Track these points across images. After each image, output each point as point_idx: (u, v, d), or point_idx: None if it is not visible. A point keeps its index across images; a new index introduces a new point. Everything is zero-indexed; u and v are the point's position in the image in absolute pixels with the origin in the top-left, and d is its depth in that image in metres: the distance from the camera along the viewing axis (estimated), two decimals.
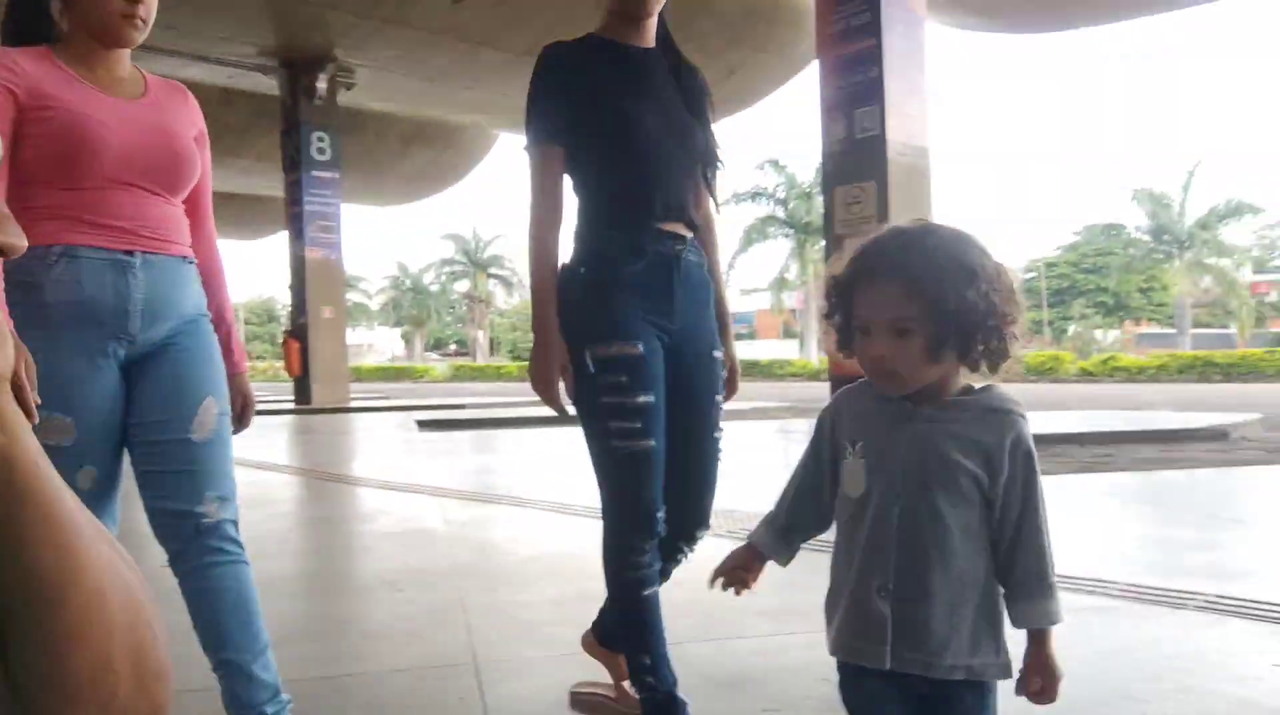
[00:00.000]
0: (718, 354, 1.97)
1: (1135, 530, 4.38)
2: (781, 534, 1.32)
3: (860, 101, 9.43)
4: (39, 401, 1.62)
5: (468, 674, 2.41)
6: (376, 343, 69.85)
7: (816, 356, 33.46)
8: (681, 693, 1.88)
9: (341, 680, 2.39)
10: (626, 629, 1.90)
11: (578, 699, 2.17)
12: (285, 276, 16.26)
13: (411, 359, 60.70)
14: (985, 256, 1.16)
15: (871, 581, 1.19)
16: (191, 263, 1.85)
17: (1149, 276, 46.59)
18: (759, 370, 31.61)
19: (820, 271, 30.77)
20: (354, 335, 50.59)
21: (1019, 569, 1.18)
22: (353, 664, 2.53)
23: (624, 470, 1.83)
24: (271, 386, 26.05)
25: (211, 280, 1.93)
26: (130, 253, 1.72)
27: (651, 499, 1.84)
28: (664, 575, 1.98)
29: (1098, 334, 42.84)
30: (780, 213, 39.82)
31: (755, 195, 38.95)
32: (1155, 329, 50.06)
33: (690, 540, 2.01)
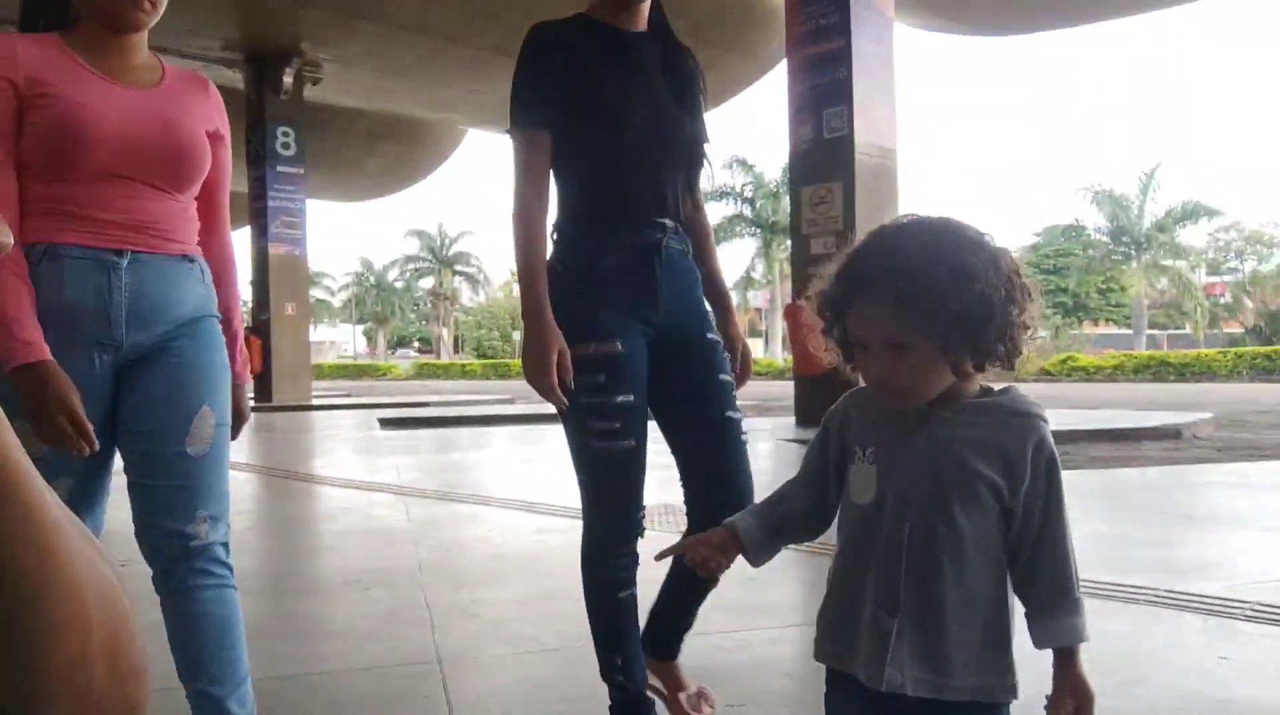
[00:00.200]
0: (713, 337, 1.90)
1: (1089, 527, 4.46)
2: (770, 532, 1.25)
3: (828, 102, 9.52)
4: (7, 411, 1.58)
5: (433, 672, 2.41)
6: (339, 340, 69.18)
7: (781, 355, 33.67)
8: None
9: (306, 679, 2.38)
10: (601, 628, 1.88)
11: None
12: (247, 272, 16.09)
13: (374, 357, 60.22)
14: (978, 249, 1.08)
15: (879, 595, 1.11)
16: (194, 261, 1.74)
17: (1108, 277, 47.42)
18: None
19: (786, 271, 30.94)
20: (316, 332, 50.09)
21: (1041, 584, 1.10)
22: (317, 663, 2.52)
23: (603, 471, 1.80)
24: None
25: (219, 284, 1.83)
26: (119, 252, 1.62)
27: (631, 500, 1.81)
28: None
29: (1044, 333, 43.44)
30: (747, 212, 40.04)
31: (723, 194, 39.09)
32: (1113, 330, 50.96)
33: None
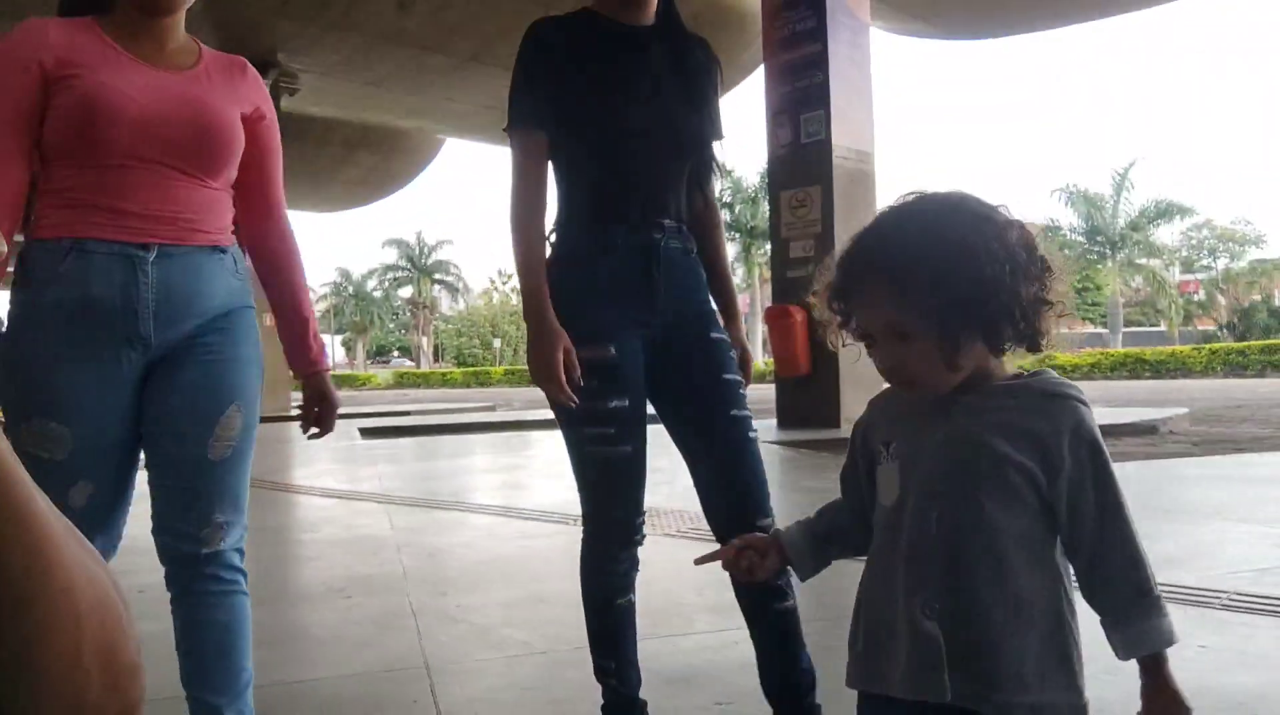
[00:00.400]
0: (717, 335, 1.84)
1: None
2: (816, 541, 1.18)
3: (806, 106, 9.58)
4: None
5: (420, 677, 2.41)
6: None
7: (762, 358, 33.72)
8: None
9: (293, 686, 2.38)
10: (596, 633, 1.86)
11: None
12: None
13: (354, 367, 59.84)
14: (982, 224, 1.00)
15: (913, 596, 1.02)
16: (224, 252, 1.67)
17: (1083, 277, 47.86)
18: None
19: (765, 274, 31.02)
20: None
21: (1111, 585, 0.99)
22: (303, 670, 2.51)
23: (599, 476, 1.78)
24: None
25: (284, 271, 1.78)
26: (145, 245, 1.56)
27: (628, 506, 1.79)
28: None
29: None
30: (726, 216, 40.17)
31: None
32: (1089, 328, 51.41)
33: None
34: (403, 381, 44.51)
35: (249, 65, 1.75)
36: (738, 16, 13.67)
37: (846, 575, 1.25)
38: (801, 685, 1.78)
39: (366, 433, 11.42)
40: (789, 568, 1.23)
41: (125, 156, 1.54)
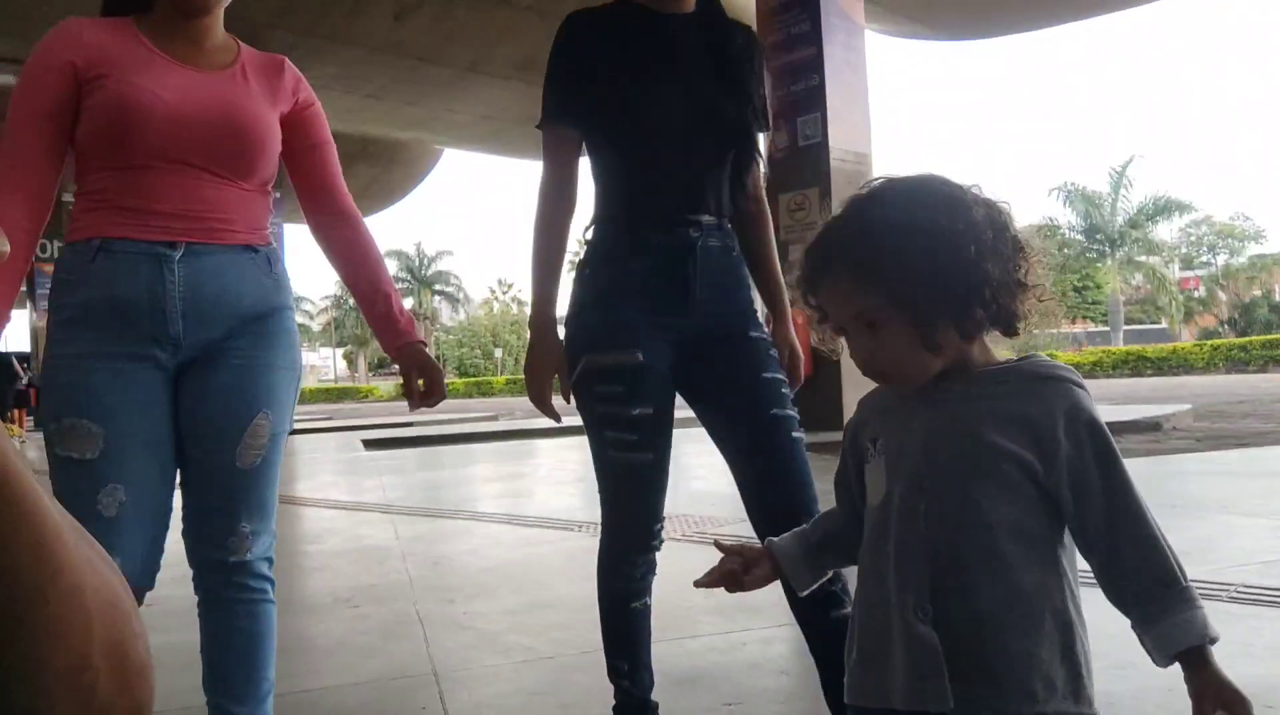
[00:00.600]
0: (756, 334, 1.76)
1: None
2: (811, 550, 1.12)
3: (802, 109, 9.61)
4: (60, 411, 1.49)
5: (428, 684, 2.41)
6: (319, 364, 68.78)
7: None
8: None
9: (300, 696, 2.37)
10: (610, 635, 1.84)
11: None
12: None
13: (355, 379, 59.91)
14: (950, 205, 0.95)
15: (906, 597, 0.95)
16: (257, 251, 1.63)
17: (1083, 276, 47.88)
18: None
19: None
20: None
21: (1133, 579, 0.91)
22: (311, 679, 2.51)
23: (620, 481, 1.75)
24: None
25: (357, 255, 1.75)
26: (171, 244, 1.54)
27: (647, 512, 1.76)
28: None
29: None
30: None
31: None
32: (1090, 327, 51.42)
33: None
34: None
35: (288, 63, 1.72)
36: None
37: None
38: None
39: (370, 444, 11.42)
40: (842, 572, 1.17)
41: (153, 157, 1.52)
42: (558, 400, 1.79)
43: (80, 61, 1.51)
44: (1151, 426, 9.03)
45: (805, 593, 1.15)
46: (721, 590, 1.16)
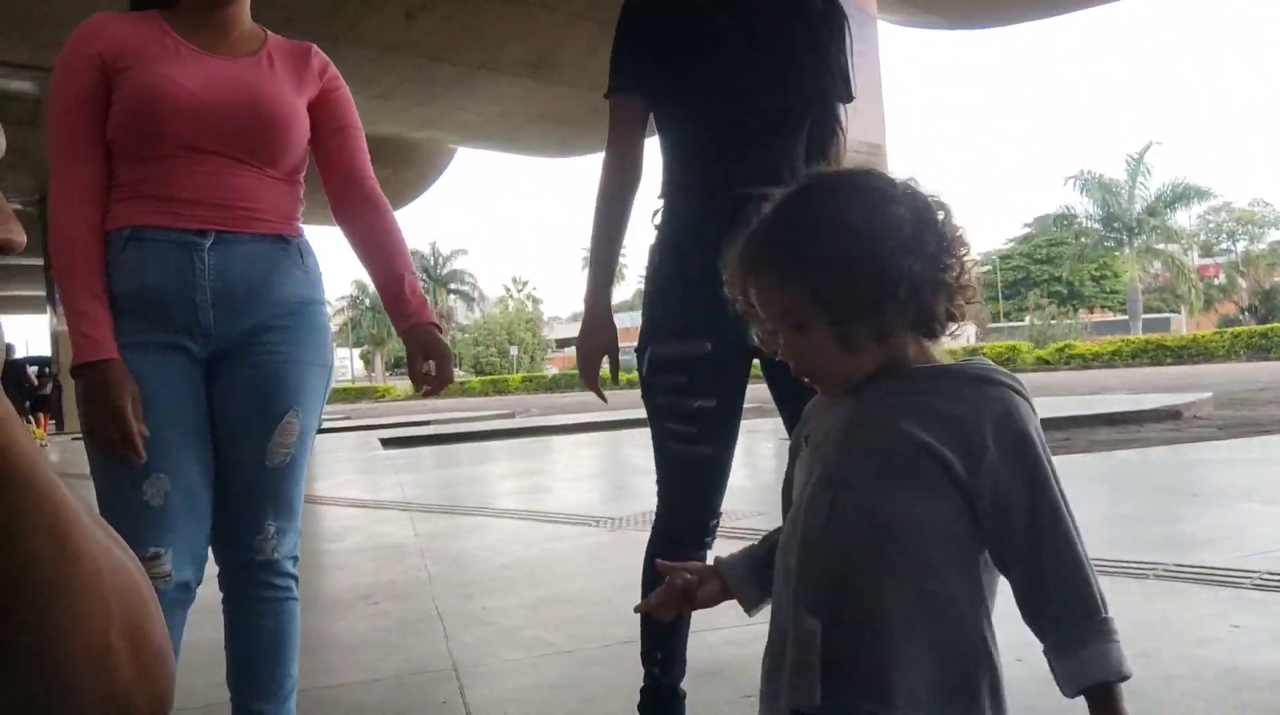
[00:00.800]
0: None
1: (1094, 508, 4.47)
2: (757, 566, 1.05)
3: None
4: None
5: (448, 679, 2.42)
6: (335, 364, 69.13)
7: None
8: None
9: (321, 692, 2.39)
10: (648, 623, 1.81)
11: None
12: None
13: (372, 379, 60.21)
14: (871, 204, 0.90)
15: (800, 591, 0.90)
16: (289, 242, 1.61)
17: (1101, 264, 47.53)
18: None
19: None
20: None
21: (1049, 603, 0.84)
22: (331, 676, 2.52)
23: (676, 473, 1.72)
24: None
25: (379, 237, 1.69)
26: (201, 232, 1.52)
27: (702, 507, 1.72)
28: None
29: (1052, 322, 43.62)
30: None
31: None
32: (1109, 317, 51.08)
33: None
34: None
35: (315, 49, 1.70)
36: None
37: None
38: None
39: (387, 443, 11.47)
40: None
41: (179, 146, 1.51)
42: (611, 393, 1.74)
43: (107, 53, 1.51)
44: (1172, 415, 8.97)
45: (754, 612, 1.06)
46: None
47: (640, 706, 1.82)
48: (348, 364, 69.99)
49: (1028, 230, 56.56)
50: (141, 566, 0.66)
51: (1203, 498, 4.63)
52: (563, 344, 68.85)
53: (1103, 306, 53.38)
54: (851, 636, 0.87)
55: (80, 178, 1.51)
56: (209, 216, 1.53)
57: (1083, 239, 44.44)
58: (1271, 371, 17.98)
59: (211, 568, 1.64)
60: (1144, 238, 41.18)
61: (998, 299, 52.01)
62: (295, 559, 1.67)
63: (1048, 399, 12.65)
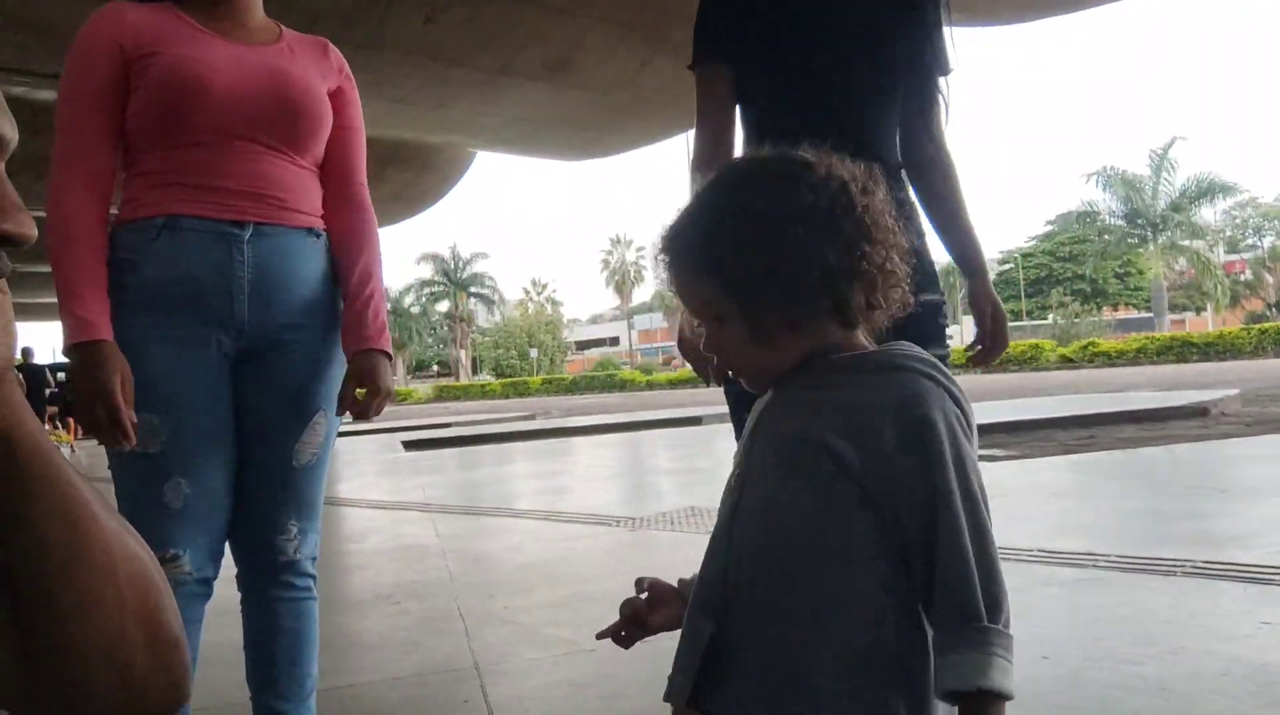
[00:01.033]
0: (926, 298, 1.54)
1: (1122, 505, 4.42)
2: None
3: None
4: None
5: (470, 677, 2.42)
6: None
7: None
8: None
9: (343, 691, 2.39)
10: None
11: None
12: None
13: (393, 382, 60.41)
14: (778, 188, 0.86)
15: (700, 595, 0.88)
16: (319, 236, 1.61)
17: (1124, 261, 47.06)
18: None
19: None
20: None
21: (937, 601, 0.78)
22: (353, 675, 2.53)
23: None
24: None
25: (355, 247, 1.64)
26: (240, 223, 1.50)
27: None
28: None
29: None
30: None
31: None
32: (1133, 314, 50.57)
33: None
34: (443, 395, 44.89)
35: (330, 44, 1.70)
36: None
37: None
38: None
39: (409, 445, 11.52)
40: None
41: (213, 132, 1.49)
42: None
43: (127, 42, 1.48)
44: (1199, 412, 8.86)
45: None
46: None
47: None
48: None
49: (1050, 228, 56.11)
50: (155, 557, 0.66)
51: (1231, 494, 4.56)
52: (582, 346, 68.94)
53: (1127, 303, 52.85)
54: (746, 645, 0.83)
55: (87, 167, 1.48)
56: (247, 207, 1.51)
57: (1106, 236, 44.00)
58: None
59: (230, 567, 1.65)
60: (1168, 234, 40.72)
61: (1020, 298, 51.58)
62: (315, 559, 1.67)
63: (1072, 397, 12.53)
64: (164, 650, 0.63)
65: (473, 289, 59.79)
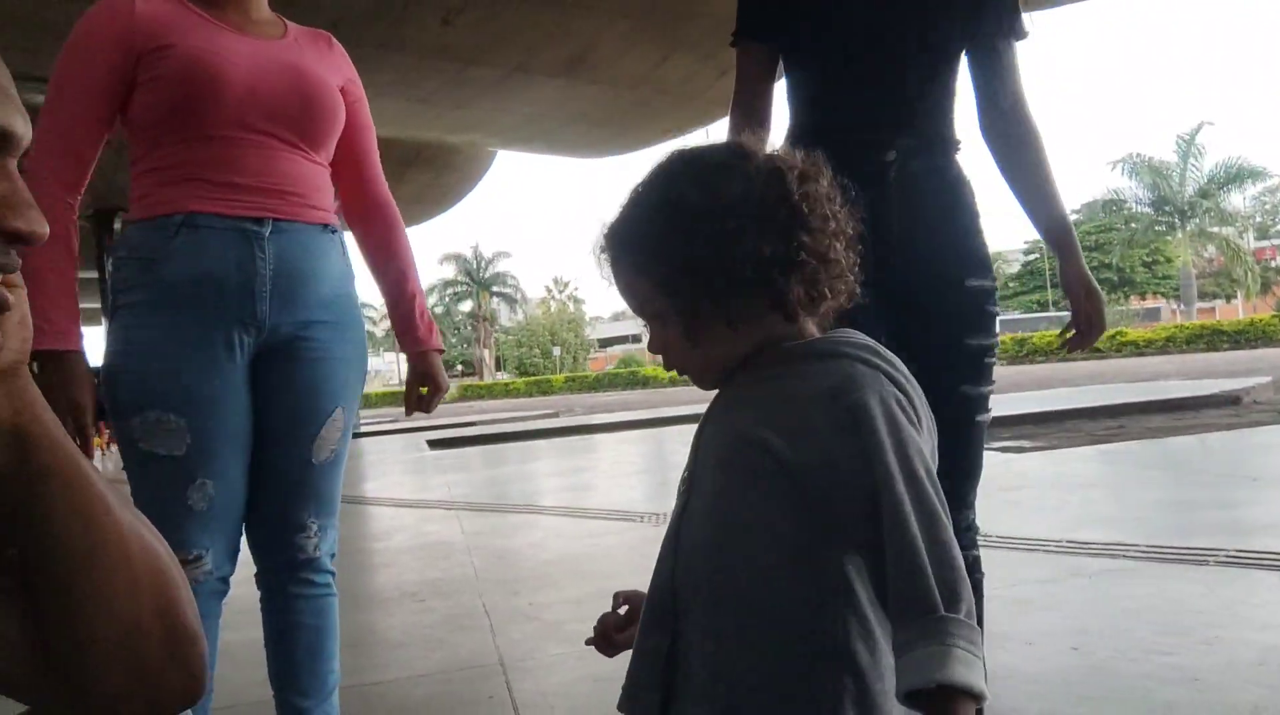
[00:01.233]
0: (974, 283, 1.50)
1: (1152, 495, 4.36)
2: None
3: None
4: (144, 402, 1.44)
5: (495, 674, 2.42)
6: (383, 369, 69.95)
7: None
8: None
9: (369, 688, 2.40)
10: None
11: None
12: None
13: None
14: (708, 180, 0.83)
15: (650, 605, 0.86)
16: (335, 232, 1.60)
17: (1152, 249, 46.46)
18: None
19: None
20: None
21: (890, 595, 0.74)
22: (379, 672, 2.54)
23: None
24: None
25: (389, 247, 1.67)
26: (260, 220, 1.48)
27: None
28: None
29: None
30: None
31: None
32: (1162, 303, 49.95)
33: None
34: (467, 394, 45.09)
35: (334, 39, 1.69)
36: None
37: None
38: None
39: (434, 444, 11.57)
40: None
41: (232, 125, 1.47)
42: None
43: (138, 36, 1.44)
44: (1231, 400, 8.73)
45: None
46: None
47: None
48: (395, 368, 70.78)
49: (1076, 217, 55.49)
50: (172, 551, 0.66)
51: (1263, 482, 4.49)
52: (605, 344, 69.00)
53: (1155, 292, 52.19)
54: (699, 655, 0.81)
55: (71, 164, 1.46)
56: (267, 204, 1.50)
57: (1132, 224, 43.44)
58: None
59: (249, 566, 1.65)
60: (1197, 221, 40.14)
61: (1046, 288, 51.07)
62: (334, 555, 1.67)
63: (1100, 387, 12.40)
64: (181, 644, 0.62)
65: (495, 288, 59.98)
